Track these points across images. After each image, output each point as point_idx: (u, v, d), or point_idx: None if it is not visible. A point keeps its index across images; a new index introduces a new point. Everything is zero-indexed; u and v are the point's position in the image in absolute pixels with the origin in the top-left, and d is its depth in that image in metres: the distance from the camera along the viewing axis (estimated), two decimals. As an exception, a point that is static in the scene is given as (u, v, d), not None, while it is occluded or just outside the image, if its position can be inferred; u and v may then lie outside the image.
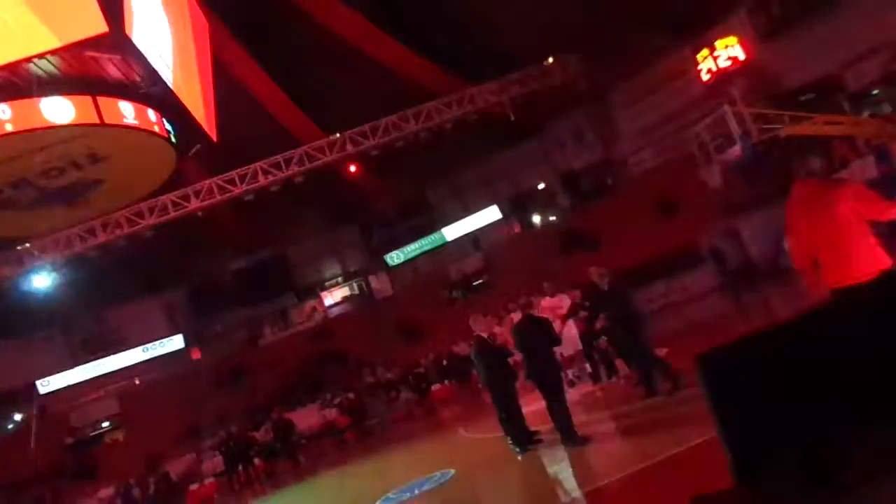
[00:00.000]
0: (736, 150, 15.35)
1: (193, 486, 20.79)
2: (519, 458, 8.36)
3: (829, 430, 2.75)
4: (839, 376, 2.90)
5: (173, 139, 19.19)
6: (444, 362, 22.59)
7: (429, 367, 23.36)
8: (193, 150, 21.54)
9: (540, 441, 8.59)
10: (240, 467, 18.73)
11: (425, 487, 8.71)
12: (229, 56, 23.06)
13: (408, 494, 8.68)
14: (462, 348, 23.67)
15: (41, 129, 15.73)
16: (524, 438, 8.59)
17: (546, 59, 24.59)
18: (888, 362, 2.83)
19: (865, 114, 19.54)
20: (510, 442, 8.69)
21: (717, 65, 23.62)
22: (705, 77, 24.19)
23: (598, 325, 10.47)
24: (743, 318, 14.25)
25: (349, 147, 24.28)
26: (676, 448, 5.67)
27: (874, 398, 2.77)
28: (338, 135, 24.32)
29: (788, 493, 2.44)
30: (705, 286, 20.81)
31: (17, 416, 29.97)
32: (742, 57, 23.18)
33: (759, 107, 17.82)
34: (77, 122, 15.99)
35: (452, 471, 9.12)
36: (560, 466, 7.65)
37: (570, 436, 7.80)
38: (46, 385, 30.40)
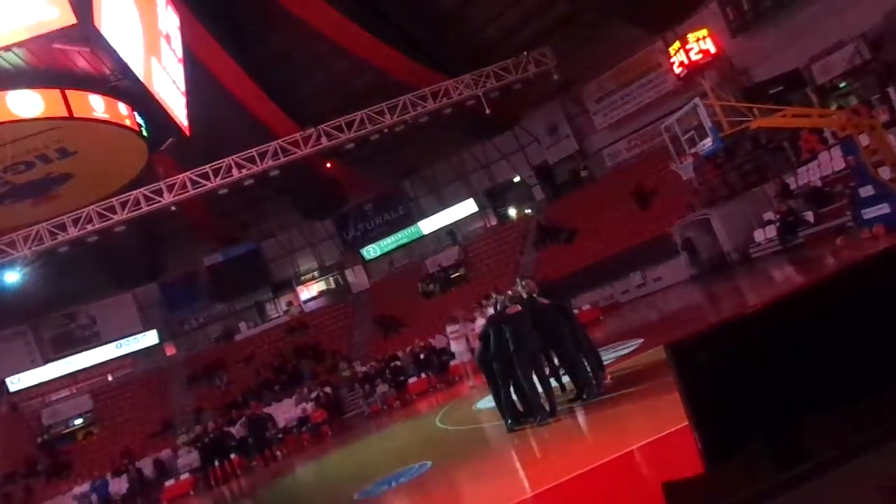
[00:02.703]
0: (707, 142, 15.53)
1: (168, 483, 20.64)
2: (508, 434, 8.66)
3: (795, 416, 2.84)
4: (805, 363, 2.99)
5: (145, 133, 18.89)
6: (422, 355, 22.63)
7: (405, 360, 23.40)
8: (166, 143, 21.23)
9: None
10: (216, 463, 18.60)
11: (403, 479, 8.75)
12: (201, 49, 22.76)
13: (385, 486, 8.72)
14: (439, 341, 23.75)
15: (8, 122, 15.40)
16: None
17: (520, 52, 24.64)
18: (852, 350, 2.92)
19: (833, 106, 19.93)
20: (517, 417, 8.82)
21: (688, 57, 23.90)
22: (677, 70, 24.47)
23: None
24: (715, 308, 14.49)
25: (324, 140, 24.09)
26: (649, 437, 5.79)
27: (839, 384, 2.86)
28: (312, 128, 24.12)
29: (756, 478, 2.52)
30: (679, 276, 21.13)
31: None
32: (713, 50, 23.49)
33: (729, 99, 18.05)
34: (45, 116, 15.67)
35: (429, 462, 9.18)
36: (534, 454, 7.75)
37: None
38: (17, 382, 29.87)
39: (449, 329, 17.33)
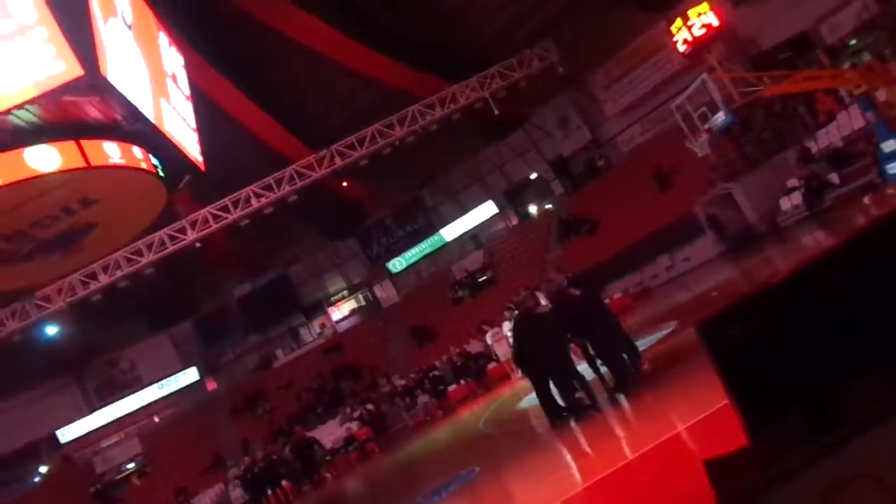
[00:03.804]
0: (720, 116, 15.33)
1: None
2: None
3: (832, 380, 2.77)
4: (837, 326, 2.92)
5: (161, 173, 19.16)
6: (458, 362, 22.58)
7: (443, 369, 23.38)
8: (183, 182, 21.55)
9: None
10: (268, 492, 18.75)
11: (453, 487, 8.73)
12: (207, 84, 23.10)
13: (436, 497, 8.70)
14: (474, 346, 23.70)
15: (28, 179, 15.73)
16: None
17: (522, 49, 24.62)
18: (883, 309, 2.84)
19: (846, 64, 19.54)
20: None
21: (692, 34, 23.63)
22: (682, 48, 24.21)
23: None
24: (746, 281, 14.24)
25: (337, 160, 24.29)
26: (691, 419, 5.69)
27: (874, 345, 2.78)
28: (325, 150, 24.34)
29: (796, 446, 2.46)
30: (707, 255, 20.81)
31: (42, 469, 30.00)
32: (716, 23, 23.20)
33: (737, 71, 17.82)
34: (64, 169, 15.97)
35: (477, 467, 9.15)
36: (579, 449, 7.67)
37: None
38: (66, 434, 30.42)
39: (489, 332, 17.43)
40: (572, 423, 8.47)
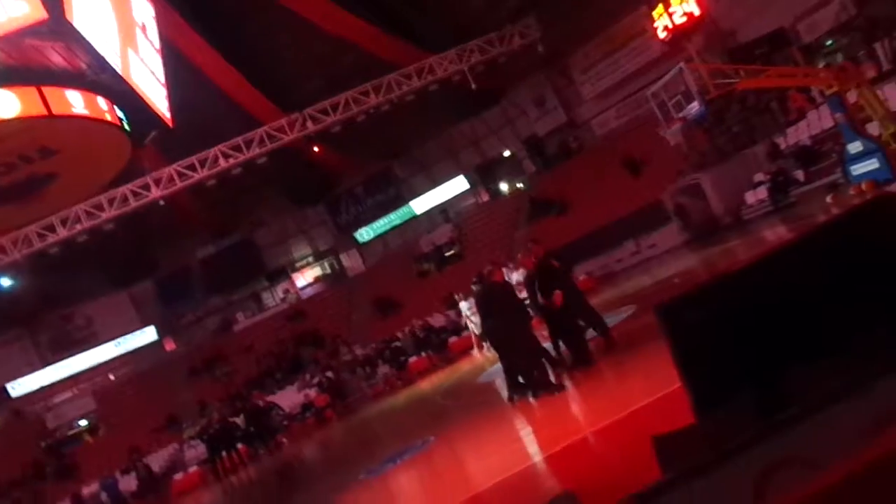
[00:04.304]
0: (694, 106, 15.43)
1: (177, 476, 20.72)
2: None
3: (783, 366, 2.82)
4: (791, 315, 2.96)
5: (126, 127, 18.65)
6: (421, 334, 22.67)
7: (405, 340, 23.45)
8: (149, 137, 21.02)
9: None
10: (223, 454, 18.69)
11: (407, 455, 8.80)
12: (179, 37, 22.44)
13: (390, 464, 8.78)
14: (437, 320, 23.80)
15: (-14, 123, 15.24)
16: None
17: (504, 25, 24.39)
18: (837, 300, 2.88)
19: (820, 64, 19.80)
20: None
21: (672, 21, 23.64)
22: (662, 35, 24.21)
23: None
24: (707, 270, 14.51)
25: (310, 124, 23.91)
26: (645, 399, 5.80)
27: (826, 334, 2.83)
28: (297, 113, 23.92)
29: (742, 426, 2.51)
30: (672, 242, 21.12)
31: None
32: (697, 12, 23.22)
33: (714, 62, 17.93)
34: (23, 115, 15.44)
35: (432, 437, 9.23)
36: (534, 423, 7.78)
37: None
38: (18, 387, 29.84)
39: (464, 305, 17.49)
40: (530, 398, 8.56)
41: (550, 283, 8.87)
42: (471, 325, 17.63)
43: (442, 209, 33.29)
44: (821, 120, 17.80)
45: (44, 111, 15.55)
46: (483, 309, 9.37)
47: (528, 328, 8.72)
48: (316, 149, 27.92)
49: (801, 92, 18.89)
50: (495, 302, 8.71)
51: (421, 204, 33.48)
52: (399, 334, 24.08)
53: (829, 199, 14.65)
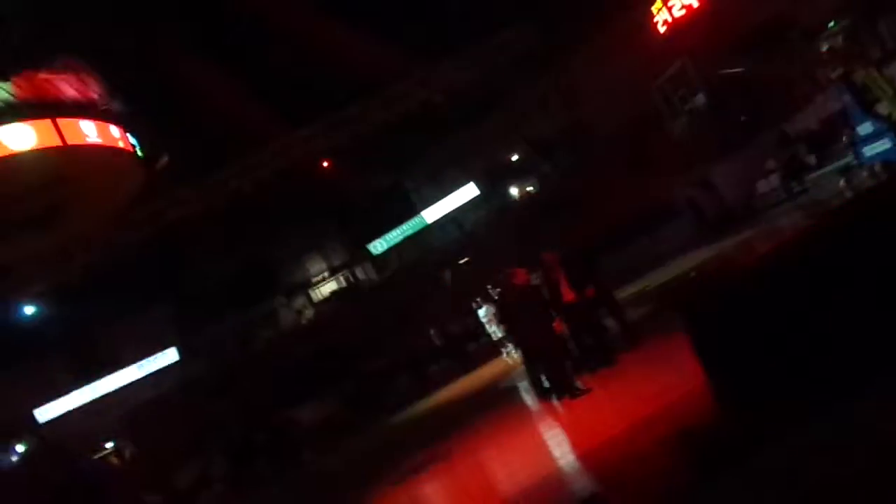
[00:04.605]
0: (700, 98, 15.45)
1: (205, 493, 20.85)
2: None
3: (809, 357, 2.85)
4: (810, 308, 2.99)
5: (139, 153, 18.88)
6: (440, 343, 22.69)
7: (424, 350, 23.49)
8: (162, 161, 21.26)
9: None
10: (247, 469, 18.82)
11: (432, 464, 8.84)
12: (187, 66, 22.76)
13: (416, 474, 8.81)
14: (455, 328, 23.84)
15: (3, 157, 15.44)
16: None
17: (503, 30, 24.50)
18: (853, 291, 2.92)
19: (823, 47, 19.67)
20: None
21: (671, 15, 23.60)
22: (662, 29, 24.17)
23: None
24: (724, 263, 14.43)
25: (318, 140, 24.14)
26: (670, 396, 5.81)
27: (847, 326, 2.86)
28: (306, 130, 24.14)
29: (772, 418, 2.54)
30: (685, 236, 21.01)
31: (19, 448, 29.76)
32: (696, 4, 23.17)
33: (716, 53, 17.91)
34: (39, 147, 15.68)
35: (456, 445, 9.27)
36: (562, 426, 7.78)
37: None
38: (45, 413, 30.17)
39: (482, 312, 17.47)
40: (555, 401, 8.57)
41: (580, 278, 8.90)
42: (490, 331, 17.63)
43: (453, 217, 33.34)
44: (828, 103, 17.66)
45: (59, 142, 15.77)
46: (506, 312, 9.36)
47: (552, 330, 8.69)
48: (325, 164, 28.12)
49: (806, 77, 18.77)
50: (519, 305, 8.68)
51: (432, 213, 33.56)
52: (417, 344, 24.12)
53: (841, 183, 14.55)
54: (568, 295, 8.80)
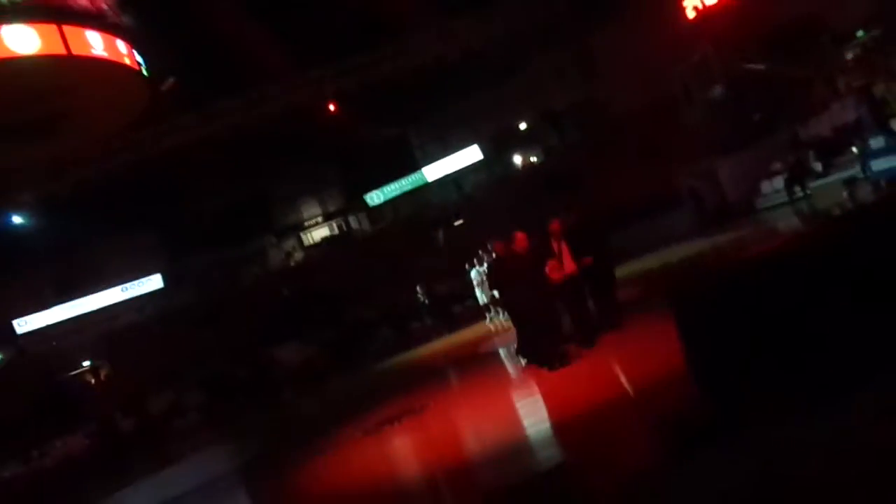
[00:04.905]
0: (718, 90, 15.25)
1: (178, 420, 21.06)
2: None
3: (792, 354, 2.84)
4: (803, 304, 2.97)
5: (145, 72, 18.51)
6: (426, 301, 22.74)
7: (410, 306, 23.57)
8: (167, 83, 20.89)
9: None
10: (222, 403, 18.99)
11: (404, 418, 8.91)
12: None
13: (387, 425, 8.89)
14: (442, 288, 23.88)
15: (4, 59, 15.10)
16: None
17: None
18: (849, 293, 2.90)
19: (849, 54, 19.43)
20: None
21: (703, 2, 23.21)
22: (691, 14, 23.77)
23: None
24: (717, 257, 14.44)
25: (328, 83, 23.77)
26: (651, 378, 5.83)
27: (834, 325, 2.85)
28: (317, 71, 23.75)
29: (751, 408, 2.52)
30: (683, 226, 20.97)
31: (-3, 356, 29.89)
32: (729, -7, 22.77)
33: (742, 46, 17.64)
34: (42, 53, 15.34)
35: (431, 402, 9.33)
36: (539, 393, 7.83)
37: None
38: (24, 325, 30.20)
39: (474, 273, 17.30)
40: (537, 369, 8.56)
41: (587, 250, 8.82)
42: (477, 295, 17.56)
43: (454, 178, 33.16)
44: (844, 112, 17.51)
45: (63, 50, 15.44)
46: (501, 277, 9.21)
47: (548, 298, 8.63)
48: (332, 107, 27.74)
49: (827, 82, 18.57)
50: (517, 270, 8.56)
51: (433, 171, 33.35)
52: (403, 299, 24.19)
53: (845, 193, 14.49)
54: (569, 265, 8.61)
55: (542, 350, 8.51)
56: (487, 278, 10.22)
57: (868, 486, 2.24)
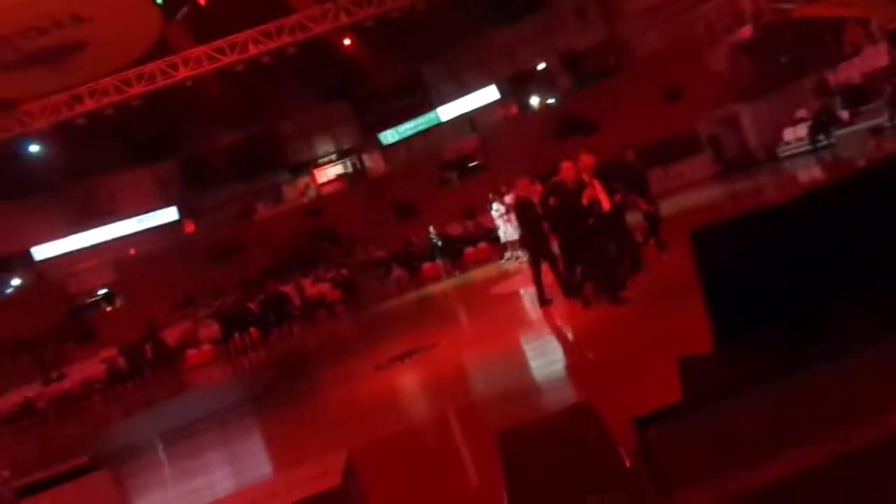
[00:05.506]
0: (745, 30, 14.75)
1: (190, 352, 21.51)
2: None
3: (816, 302, 2.79)
4: (831, 255, 2.90)
5: (159, 0, 18.21)
6: (438, 241, 22.76)
7: (421, 246, 23.62)
8: (181, 13, 20.56)
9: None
10: (235, 335, 19.36)
11: (415, 354, 9.04)
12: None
13: (398, 361, 9.03)
14: (455, 229, 23.87)
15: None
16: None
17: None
18: (878, 244, 2.83)
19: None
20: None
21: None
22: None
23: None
24: (733, 205, 14.30)
25: (343, 17, 23.26)
26: (667, 322, 5.85)
27: (862, 273, 2.78)
28: (331, 3, 23.18)
29: (770, 358, 2.50)
30: (701, 173, 20.71)
31: (15, 281, 30.46)
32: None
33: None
34: (56, -22, 15.12)
35: (441, 341, 9.45)
36: (551, 335, 7.90)
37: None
38: (42, 252, 30.68)
39: (496, 206, 16.69)
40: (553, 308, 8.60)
41: (627, 188, 8.74)
42: (500, 231, 16.89)
43: (469, 118, 32.69)
44: (876, 57, 16.96)
45: (76, -25, 15.20)
46: (543, 211, 8.80)
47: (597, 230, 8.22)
48: (347, 41, 27.21)
49: (860, 24, 17.92)
50: (564, 203, 8.08)
51: (448, 111, 32.87)
52: (415, 239, 24.23)
53: (873, 143, 14.19)
54: (606, 203, 8.17)
55: (600, 281, 8.16)
56: (518, 216, 9.64)
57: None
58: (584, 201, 7.90)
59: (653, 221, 9.83)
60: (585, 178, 8.18)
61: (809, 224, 3.23)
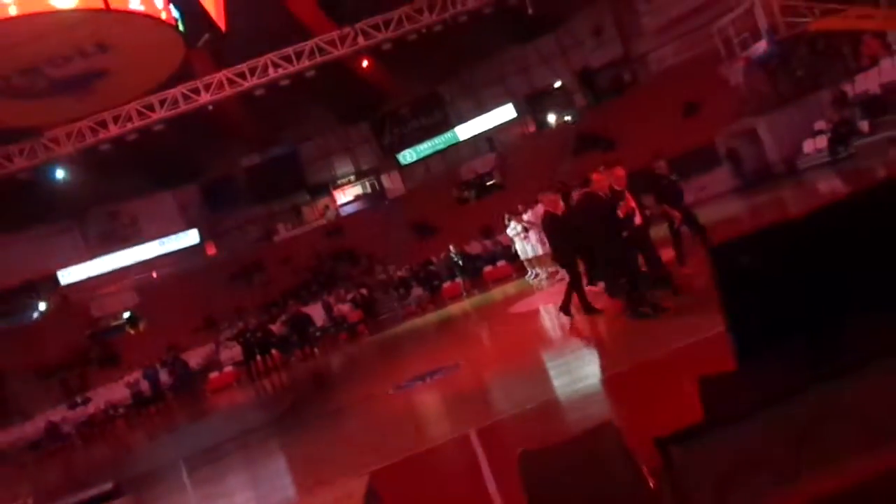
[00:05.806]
0: (761, 45, 14.71)
1: (212, 375, 21.65)
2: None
3: (837, 318, 2.77)
4: (850, 271, 2.89)
5: (181, 27, 18.58)
6: (457, 260, 22.80)
7: (440, 265, 23.67)
8: (202, 40, 20.98)
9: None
10: (257, 357, 19.48)
11: (436, 375, 9.02)
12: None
13: (419, 381, 9.02)
14: (473, 247, 23.90)
15: (44, 13, 15.24)
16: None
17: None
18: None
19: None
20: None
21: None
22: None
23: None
24: (754, 218, 14.18)
25: (361, 40, 23.55)
26: (689, 339, 5.82)
27: (881, 288, 2.77)
28: (349, 27, 23.52)
29: (791, 374, 2.49)
30: (721, 187, 20.57)
31: (41, 306, 30.95)
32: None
33: (789, -1, 16.98)
34: (81, 7, 15.46)
35: (462, 361, 9.42)
36: (570, 354, 7.85)
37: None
38: (66, 276, 31.17)
39: (513, 224, 16.53)
40: (574, 324, 8.57)
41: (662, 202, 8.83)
42: (519, 248, 16.68)
43: (487, 137, 32.85)
44: (894, 68, 16.84)
45: (102, 5, 15.54)
46: (575, 223, 8.76)
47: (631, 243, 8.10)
48: (365, 63, 27.56)
49: (877, 37, 17.81)
50: (597, 216, 7.88)
51: (466, 130, 33.07)
52: (434, 258, 24.29)
53: (893, 152, 14.03)
54: (638, 218, 8.04)
55: (635, 296, 7.92)
56: (547, 231, 9.53)
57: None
58: (621, 214, 7.72)
59: (697, 229, 9.58)
60: (618, 188, 8.04)
61: (828, 238, 3.23)
